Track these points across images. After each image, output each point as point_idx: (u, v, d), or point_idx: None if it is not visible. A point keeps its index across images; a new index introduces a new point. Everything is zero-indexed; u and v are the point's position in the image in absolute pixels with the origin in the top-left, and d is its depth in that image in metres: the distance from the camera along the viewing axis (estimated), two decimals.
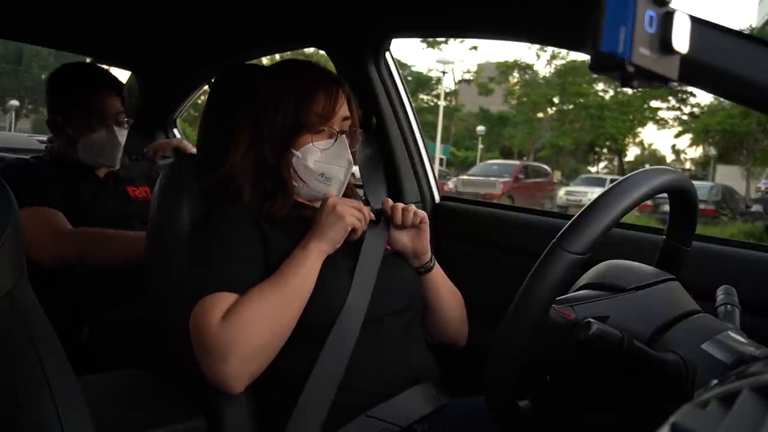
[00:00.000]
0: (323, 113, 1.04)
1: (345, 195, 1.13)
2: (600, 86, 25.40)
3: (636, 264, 0.83)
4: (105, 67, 1.86)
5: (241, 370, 0.90)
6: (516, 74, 27.54)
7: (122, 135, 1.60)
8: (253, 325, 0.90)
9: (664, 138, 52.70)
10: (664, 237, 0.87)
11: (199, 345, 0.91)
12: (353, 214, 1.00)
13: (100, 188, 1.64)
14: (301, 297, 0.95)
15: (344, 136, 1.07)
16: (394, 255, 1.12)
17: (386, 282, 1.05)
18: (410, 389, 1.00)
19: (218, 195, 1.06)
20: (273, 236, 1.01)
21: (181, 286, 1.06)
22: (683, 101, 25.83)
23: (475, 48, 27.30)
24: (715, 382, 0.46)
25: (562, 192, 17.50)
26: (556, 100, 26.22)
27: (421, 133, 1.67)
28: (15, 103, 24.98)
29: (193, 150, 1.90)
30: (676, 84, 0.39)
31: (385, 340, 1.02)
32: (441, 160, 23.23)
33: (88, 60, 2.36)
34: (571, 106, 25.87)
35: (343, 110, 1.07)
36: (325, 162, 1.05)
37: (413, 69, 28.42)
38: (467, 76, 30.22)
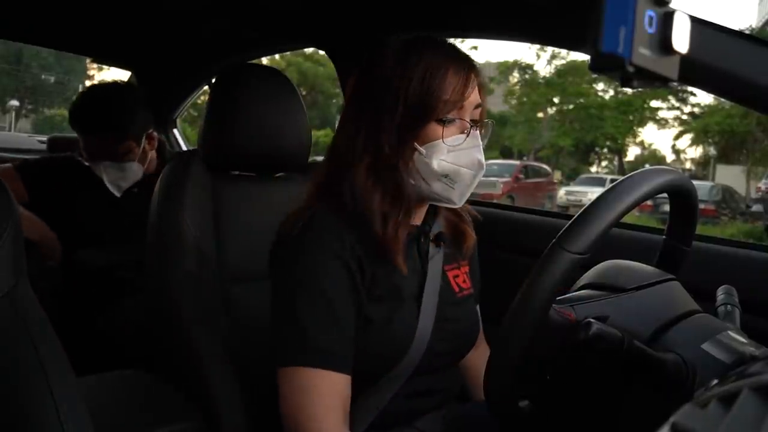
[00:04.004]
0: (452, 97, 0.84)
1: (453, 223, 1.00)
2: (600, 86, 25.40)
3: (636, 264, 0.83)
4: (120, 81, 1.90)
5: None
6: (516, 74, 27.52)
7: (116, 168, 1.64)
8: None
9: (664, 138, 52.70)
10: (664, 237, 0.87)
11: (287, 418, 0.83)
12: None
13: (129, 194, 1.70)
14: None
15: (476, 129, 0.88)
16: (463, 301, 1.00)
17: (450, 333, 0.94)
18: (434, 412, 0.98)
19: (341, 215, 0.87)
20: (368, 263, 0.87)
21: (183, 286, 1.06)
22: (683, 101, 25.84)
23: (475, 48, 27.19)
24: (715, 382, 0.46)
25: (562, 192, 17.49)
26: (556, 100, 26.20)
27: None
28: (15, 103, 25.00)
29: None
30: (676, 84, 0.39)
31: (425, 390, 0.96)
32: None
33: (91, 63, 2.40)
34: (571, 106, 25.85)
35: (475, 96, 0.87)
36: (453, 162, 0.86)
37: None
38: None
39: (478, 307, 1.07)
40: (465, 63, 0.87)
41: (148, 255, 1.14)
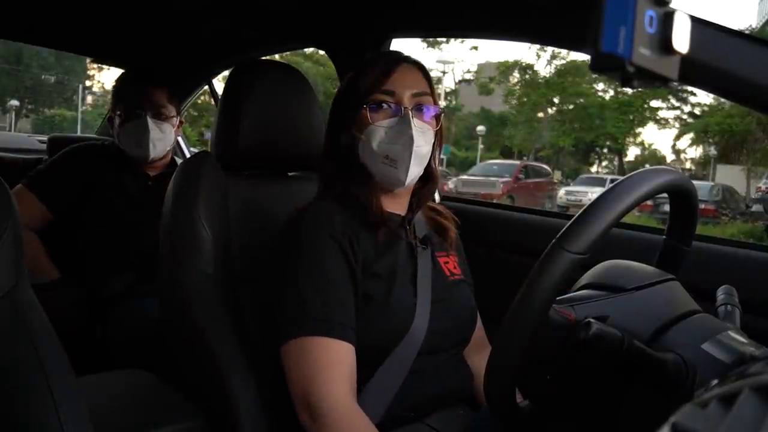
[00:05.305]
0: (373, 85, 0.96)
1: (434, 219, 1.09)
2: (600, 86, 25.40)
3: (636, 264, 0.83)
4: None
5: None
6: (516, 74, 27.53)
7: (158, 127, 1.68)
8: None
9: (664, 138, 52.70)
10: (664, 237, 0.87)
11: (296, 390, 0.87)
12: None
13: (146, 188, 1.72)
14: None
15: (413, 113, 0.96)
16: (455, 284, 1.07)
17: (447, 313, 0.99)
18: (442, 411, 0.99)
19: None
20: (359, 245, 0.94)
21: (198, 285, 1.05)
22: (683, 101, 25.84)
23: (475, 48, 27.31)
24: (715, 382, 0.46)
25: (562, 192, 17.49)
26: (556, 100, 26.21)
27: None
28: (15, 103, 25.02)
29: None
30: (676, 84, 0.39)
31: (434, 371, 0.98)
32: (441, 160, 23.16)
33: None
34: (571, 106, 25.85)
35: (411, 85, 0.97)
36: (389, 143, 0.96)
37: None
38: (467, 76, 30.24)
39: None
40: (392, 58, 1.00)
41: (161, 255, 1.13)
